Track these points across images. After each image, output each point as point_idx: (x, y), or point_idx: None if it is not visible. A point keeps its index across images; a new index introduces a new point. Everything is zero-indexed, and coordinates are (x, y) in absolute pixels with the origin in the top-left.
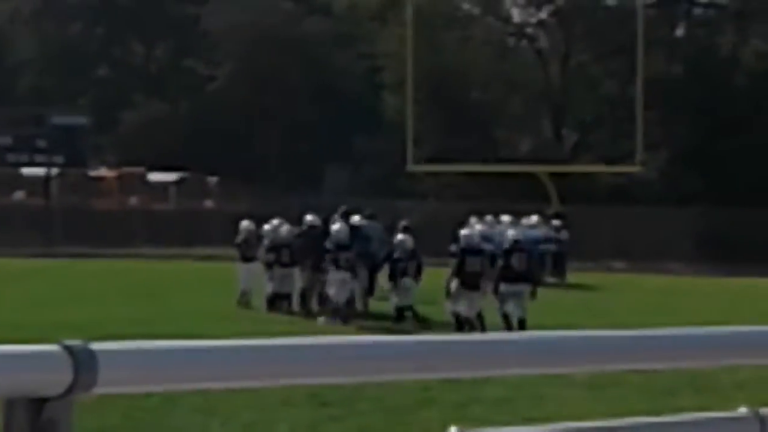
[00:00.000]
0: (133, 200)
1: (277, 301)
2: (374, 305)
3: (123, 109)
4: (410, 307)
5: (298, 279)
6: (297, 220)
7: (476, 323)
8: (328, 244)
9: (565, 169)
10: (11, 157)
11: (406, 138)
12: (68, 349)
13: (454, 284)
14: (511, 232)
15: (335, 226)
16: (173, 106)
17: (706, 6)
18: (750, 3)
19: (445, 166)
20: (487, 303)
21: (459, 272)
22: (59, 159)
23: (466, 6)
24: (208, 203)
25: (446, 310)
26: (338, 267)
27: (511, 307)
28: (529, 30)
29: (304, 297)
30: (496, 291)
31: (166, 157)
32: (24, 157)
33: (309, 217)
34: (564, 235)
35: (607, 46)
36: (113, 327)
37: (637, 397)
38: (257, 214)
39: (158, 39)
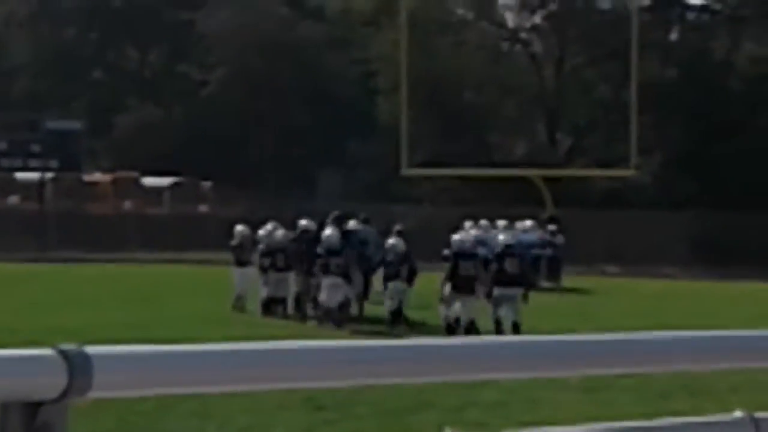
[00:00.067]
0: (128, 205)
1: (272, 306)
2: (369, 309)
3: (117, 113)
4: (400, 312)
5: (292, 283)
6: (291, 225)
7: (471, 331)
8: (319, 250)
9: (560, 173)
10: (5, 162)
11: (400, 142)
12: (63, 354)
13: (447, 289)
14: (501, 237)
15: (326, 232)
16: (167, 111)
17: (699, 10)
18: (743, 7)
19: (439, 170)
20: (480, 308)
21: (452, 276)
22: (53, 163)
23: (459, 11)
24: (203, 208)
25: (440, 314)
26: (328, 272)
27: (504, 312)
28: (523, 34)
29: (298, 301)
30: (489, 295)
31: (161, 161)
32: (18, 162)
33: (303, 222)
34: (559, 239)
35: (601, 50)
36: (108, 331)
37: (631, 400)
38: (251, 219)
39: (152, 44)
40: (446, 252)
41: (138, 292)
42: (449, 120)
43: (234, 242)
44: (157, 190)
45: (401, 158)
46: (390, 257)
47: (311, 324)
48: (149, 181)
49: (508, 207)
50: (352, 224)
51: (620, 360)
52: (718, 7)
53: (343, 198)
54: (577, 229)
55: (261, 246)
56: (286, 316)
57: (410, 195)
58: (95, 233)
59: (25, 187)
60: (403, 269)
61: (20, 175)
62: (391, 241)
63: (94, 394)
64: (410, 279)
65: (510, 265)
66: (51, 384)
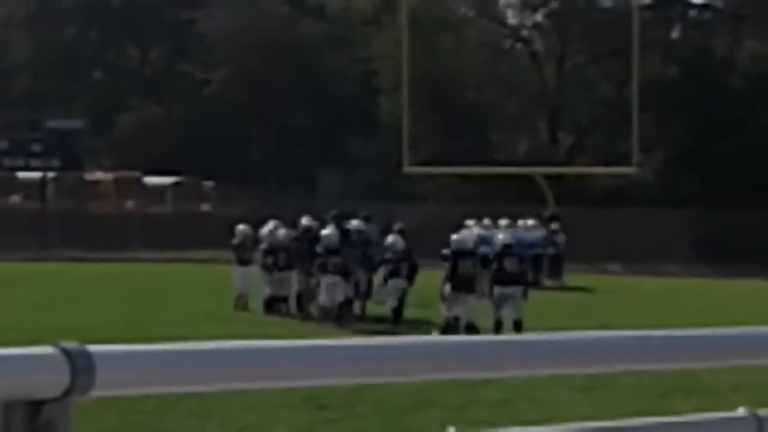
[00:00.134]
0: (130, 204)
1: (274, 304)
2: (372, 308)
3: (118, 112)
4: (401, 310)
5: (294, 282)
6: (292, 224)
7: (471, 331)
8: (318, 249)
9: (561, 171)
10: (7, 161)
11: (401, 140)
12: (65, 352)
13: (447, 288)
14: (500, 236)
15: (325, 231)
16: (169, 110)
17: (701, 8)
18: (745, 5)
19: (441, 168)
20: (481, 308)
21: (452, 276)
22: (55, 163)
23: (461, 9)
24: (205, 207)
25: (441, 313)
26: (327, 271)
27: (506, 312)
28: (524, 32)
29: (300, 300)
30: (490, 294)
31: (162, 160)
32: (20, 161)
33: (304, 220)
34: (561, 238)
35: (602, 48)
36: (110, 330)
37: (634, 399)
38: (253, 218)
39: (153, 43)
40: (445, 251)
41: (140, 291)
42: (451, 118)
43: (235, 241)
44: (159, 189)
45: (403, 156)
46: (390, 255)
47: (313, 323)
48: (151, 180)
49: (510, 205)
50: (354, 223)
51: (622, 358)
52: (719, 4)
53: (345, 197)
54: (578, 227)
55: (263, 245)
56: (288, 315)
57: (412, 193)
58: (97, 232)
59: (27, 186)
60: (403, 267)
61: (22, 175)
62: (390, 239)
63: (96, 392)
64: (411, 277)
65: (510, 264)
66: (53, 383)
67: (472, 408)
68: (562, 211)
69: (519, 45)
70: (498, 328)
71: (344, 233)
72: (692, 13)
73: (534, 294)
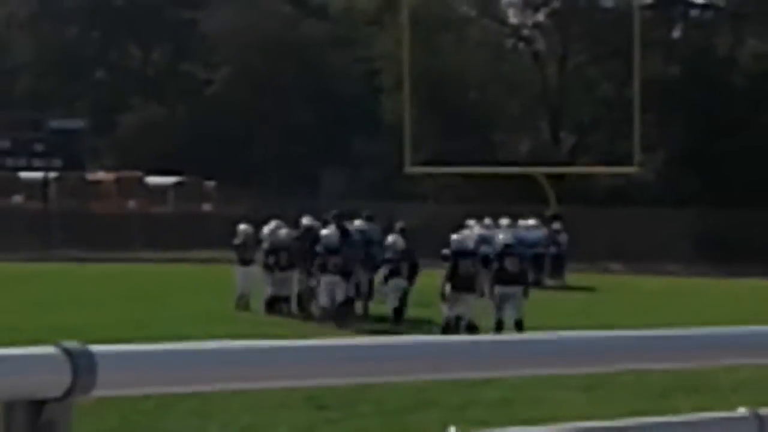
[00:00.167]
0: (132, 204)
1: (275, 304)
2: (374, 308)
3: (121, 112)
4: (401, 309)
5: (296, 282)
6: (294, 223)
7: (471, 331)
8: (317, 248)
9: (563, 170)
10: (9, 161)
11: (403, 140)
12: (67, 352)
13: (448, 288)
14: (500, 236)
15: (325, 231)
16: (171, 110)
17: (702, 7)
18: (746, 4)
19: (442, 168)
20: (482, 308)
21: (452, 276)
22: (57, 163)
23: (462, 8)
24: (206, 206)
25: (442, 313)
26: (326, 271)
27: (507, 312)
28: (525, 32)
29: (301, 300)
30: (491, 294)
31: (164, 160)
32: (22, 161)
33: (305, 220)
34: (563, 237)
35: (604, 48)
36: (112, 330)
37: (634, 398)
38: (255, 218)
39: (155, 43)
40: (445, 252)
41: (142, 291)
42: (452, 118)
43: (237, 241)
44: (161, 189)
45: (404, 156)
46: (390, 255)
47: (314, 322)
48: (153, 180)
49: (512, 205)
50: (357, 223)
51: (623, 357)
52: (720, 4)
53: (347, 196)
54: (580, 227)
55: (265, 244)
56: (289, 315)
57: (414, 193)
58: (99, 232)
59: (29, 186)
60: (403, 267)
61: (24, 175)
62: (390, 239)
63: (98, 392)
64: (411, 276)
65: (510, 264)
66: (55, 382)
67: (472, 408)
68: (564, 210)
69: (520, 45)
70: (499, 328)
71: (344, 233)
72: (694, 12)
73: (536, 293)
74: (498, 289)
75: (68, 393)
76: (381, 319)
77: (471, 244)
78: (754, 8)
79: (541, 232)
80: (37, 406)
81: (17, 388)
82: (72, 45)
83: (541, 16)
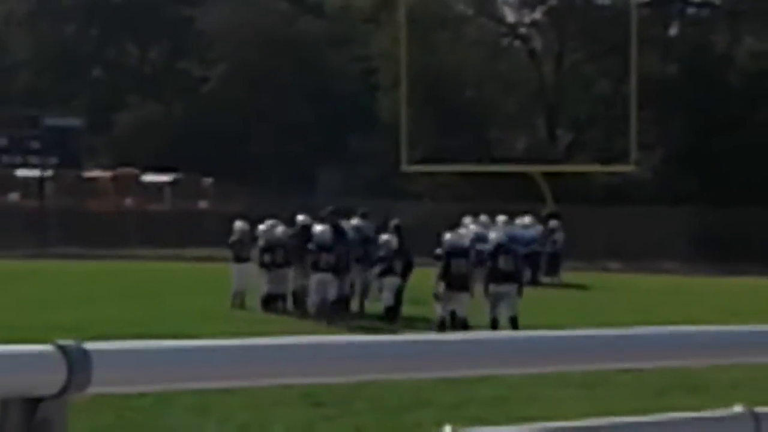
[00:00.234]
0: (128, 201)
1: (271, 302)
2: (370, 306)
3: (117, 110)
4: (395, 307)
5: (292, 279)
6: (290, 221)
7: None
8: (310, 245)
9: (560, 168)
10: (5, 159)
11: (400, 138)
12: (62, 349)
13: (442, 287)
14: (493, 235)
15: (318, 227)
16: (167, 108)
17: (699, 5)
18: (743, 2)
19: (439, 166)
20: (476, 306)
21: (445, 275)
22: (53, 160)
23: (459, 6)
24: (203, 204)
25: (436, 312)
26: (318, 269)
27: (502, 311)
28: (522, 30)
29: (297, 297)
30: (486, 292)
31: (161, 158)
32: (18, 159)
33: (301, 218)
34: (560, 236)
35: (600, 46)
36: (108, 328)
37: (632, 396)
38: (251, 215)
39: (152, 40)
40: (438, 251)
41: (138, 289)
42: (449, 116)
43: (233, 238)
44: (158, 187)
45: (401, 154)
46: (383, 253)
47: (310, 320)
48: (149, 177)
49: (508, 203)
50: (355, 221)
51: (620, 355)
52: (717, 1)
53: (344, 194)
54: (577, 225)
55: (261, 242)
56: (285, 313)
57: (410, 191)
58: (95, 230)
59: (26, 183)
60: (396, 264)
61: (20, 172)
62: (384, 237)
63: (93, 389)
64: (405, 274)
65: (504, 262)
66: (50, 380)
67: (468, 406)
68: (561, 209)
69: (517, 42)
70: (495, 326)
71: (338, 230)
72: (691, 10)
73: (531, 291)
74: (492, 288)
75: (63, 390)
76: (378, 316)
77: (467, 242)
78: (751, 6)
79: (536, 231)
80: (33, 403)
81: (12, 385)
82: (69, 43)
83: (537, 14)
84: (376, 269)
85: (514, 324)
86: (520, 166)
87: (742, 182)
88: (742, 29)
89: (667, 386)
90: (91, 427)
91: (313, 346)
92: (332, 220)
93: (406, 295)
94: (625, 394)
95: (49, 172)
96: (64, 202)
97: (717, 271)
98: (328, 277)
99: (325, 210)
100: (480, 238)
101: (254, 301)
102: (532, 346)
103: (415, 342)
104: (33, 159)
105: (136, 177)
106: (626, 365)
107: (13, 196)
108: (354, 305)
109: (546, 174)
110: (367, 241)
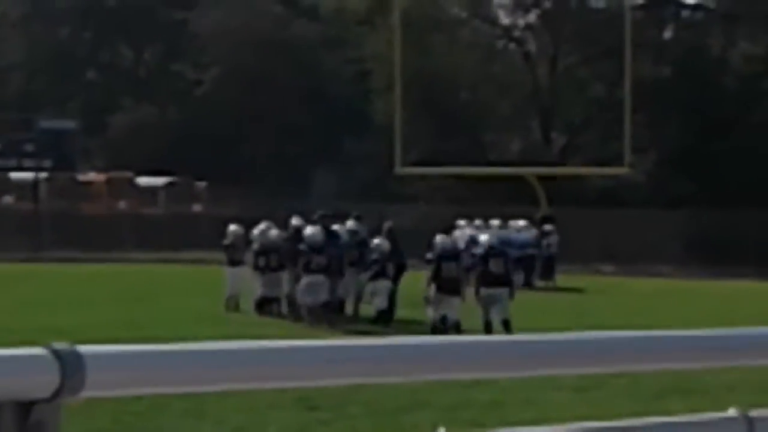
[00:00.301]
0: (122, 204)
1: (266, 305)
2: (364, 309)
3: (112, 113)
4: (387, 311)
5: (286, 282)
6: (285, 224)
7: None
8: (301, 247)
9: (554, 171)
10: (0, 161)
11: (394, 141)
12: (55, 353)
13: (432, 291)
14: (483, 238)
15: (309, 230)
16: (162, 110)
17: (693, 8)
18: (737, 5)
19: (433, 168)
20: (469, 310)
21: (436, 278)
22: (48, 163)
23: (453, 9)
24: (197, 207)
25: (428, 316)
26: (309, 270)
27: (494, 314)
28: (516, 33)
29: (292, 300)
30: (477, 295)
31: (155, 161)
32: (12, 162)
33: (294, 221)
34: (554, 239)
35: (595, 49)
36: (102, 331)
37: (626, 400)
38: (246, 218)
39: (147, 43)
40: (429, 255)
41: (132, 292)
42: (443, 118)
43: (226, 241)
44: (152, 190)
45: (395, 157)
46: (375, 256)
47: (304, 323)
48: (144, 180)
49: (503, 206)
50: (350, 224)
51: (615, 359)
52: (711, 5)
53: (338, 197)
54: (571, 228)
55: (255, 245)
56: (280, 316)
57: (405, 194)
58: (89, 233)
59: (20, 186)
60: (388, 268)
61: (14, 175)
62: (376, 240)
63: (86, 393)
64: (396, 277)
65: (495, 266)
66: (43, 383)
67: (463, 409)
68: (555, 211)
69: (512, 45)
70: (488, 329)
71: (330, 233)
72: (685, 13)
73: (526, 295)
74: (483, 291)
75: (57, 394)
76: (371, 320)
77: (461, 245)
78: (745, 9)
79: (530, 234)
80: (26, 407)
81: (5, 389)
82: (63, 45)
83: (531, 17)
84: (368, 273)
85: (507, 327)
86: (515, 169)
87: (736, 185)
88: (736, 32)
89: (662, 389)
90: (87, 430)
91: (307, 350)
92: (323, 223)
93: (401, 299)
94: (620, 398)
95: (43, 175)
96: (58, 205)
97: (711, 274)
98: (319, 279)
99: (315, 214)
100: (475, 241)
101: (248, 304)
102: (527, 350)
103: (410, 345)
104: (27, 162)
105: (131, 180)
106: (621, 368)
107: (7, 199)
108: (348, 309)
109: (540, 177)
110: (361, 244)
